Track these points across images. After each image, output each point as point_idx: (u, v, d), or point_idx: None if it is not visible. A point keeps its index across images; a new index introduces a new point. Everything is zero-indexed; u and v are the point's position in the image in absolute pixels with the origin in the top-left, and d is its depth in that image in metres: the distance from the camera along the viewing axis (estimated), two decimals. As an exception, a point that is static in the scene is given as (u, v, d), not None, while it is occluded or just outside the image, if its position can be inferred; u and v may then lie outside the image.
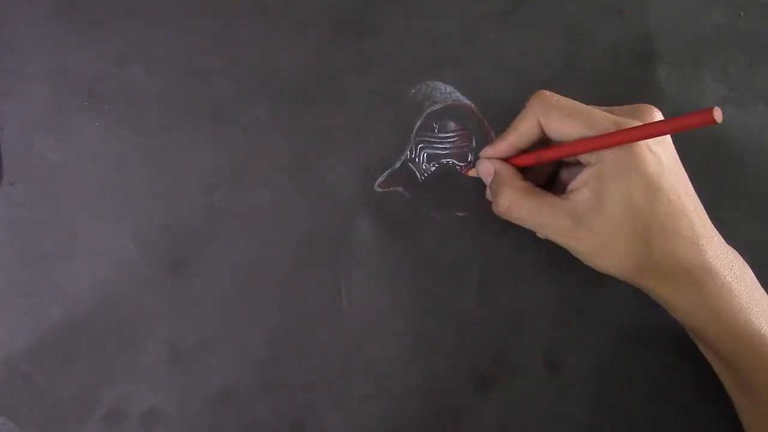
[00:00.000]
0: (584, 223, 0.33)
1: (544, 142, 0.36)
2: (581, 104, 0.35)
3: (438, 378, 0.39)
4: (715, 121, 0.27)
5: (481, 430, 0.38)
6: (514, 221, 0.36)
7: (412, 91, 0.40)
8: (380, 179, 0.39)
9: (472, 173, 0.39)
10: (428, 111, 0.40)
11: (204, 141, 0.39)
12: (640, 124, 0.32)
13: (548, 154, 0.35)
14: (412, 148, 0.40)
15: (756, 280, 0.36)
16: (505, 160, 0.37)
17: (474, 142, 0.40)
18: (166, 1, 0.41)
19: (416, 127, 0.40)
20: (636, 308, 0.39)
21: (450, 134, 0.40)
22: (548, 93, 0.35)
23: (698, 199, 0.35)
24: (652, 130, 0.31)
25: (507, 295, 0.39)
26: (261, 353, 0.38)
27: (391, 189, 0.40)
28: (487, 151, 0.38)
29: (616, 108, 0.36)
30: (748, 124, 0.42)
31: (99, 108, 0.39)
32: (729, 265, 0.34)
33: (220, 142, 0.39)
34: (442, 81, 0.41)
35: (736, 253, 0.36)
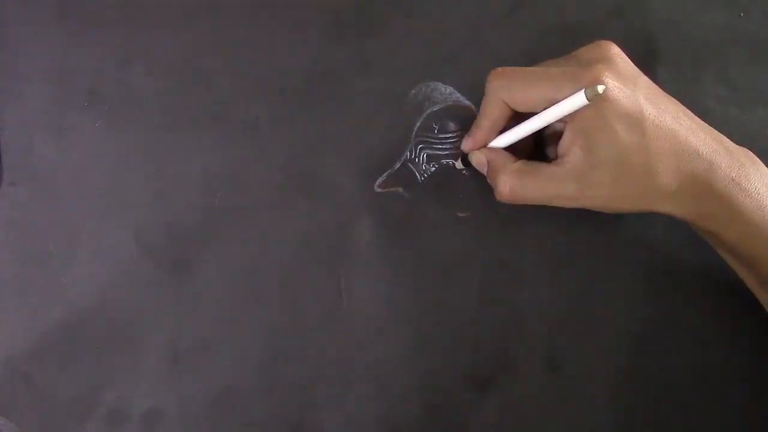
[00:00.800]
0: (587, 181, 0.34)
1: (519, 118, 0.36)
2: (538, 69, 0.35)
3: (438, 378, 0.39)
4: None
5: (481, 430, 0.38)
6: (520, 203, 0.36)
7: (412, 91, 0.40)
8: (380, 179, 0.39)
9: (458, 165, 0.39)
10: (428, 111, 0.40)
11: (204, 141, 0.39)
12: (603, 69, 0.33)
13: (523, 129, 0.36)
14: (412, 148, 0.40)
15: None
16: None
17: (474, 143, 0.40)
18: (166, 1, 0.41)
19: (416, 128, 0.40)
20: (636, 308, 0.39)
21: (450, 135, 0.40)
22: (502, 69, 0.36)
23: (684, 109, 0.36)
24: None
25: (507, 295, 0.39)
26: (261, 353, 0.38)
27: (391, 189, 0.40)
28: (468, 143, 0.38)
29: (570, 55, 0.36)
30: (748, 124, 0.42)
31: (99, 108, 0.39)
32: (737, 166, 0.35)
33: (220, 142, 0.39)
34: (442, 81, 0.41)
35: (745, 150, 0.36)
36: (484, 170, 0.37)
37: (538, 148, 0.39)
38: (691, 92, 0.42)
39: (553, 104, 0.34)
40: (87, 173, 0.39)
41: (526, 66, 0.37)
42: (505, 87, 0.35)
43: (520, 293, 0.39)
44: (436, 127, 0.40)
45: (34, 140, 0.39)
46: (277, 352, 0.38)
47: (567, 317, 0.39)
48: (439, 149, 0.40)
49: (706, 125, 0.36)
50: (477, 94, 0.40)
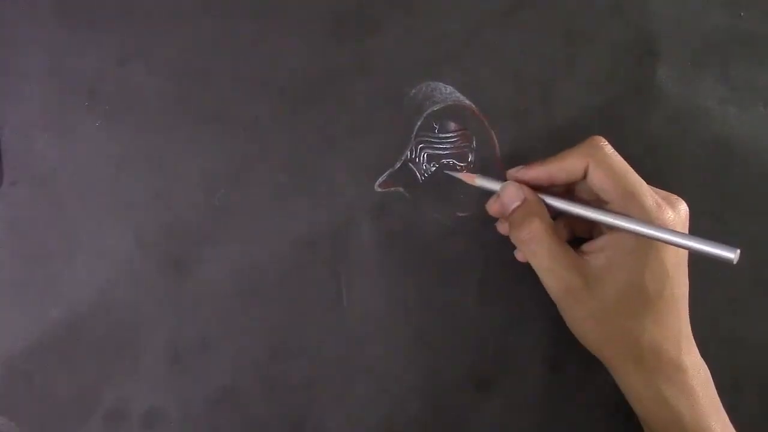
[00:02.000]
0: (591, 286, 0.33)
1: (569, 190, 0.36)
2: (629, 167, 0.34)
3: (438, 378, 0.39)
4: (732, 262, 0.29)
5: (481, 430, 0.38)
6: (526, 251, 0.35)
7: (413, 91, 0.40)
8: (380, 179, 0.39)
9: (468, 180, 0.38)
10: (428, 111, 0.40)
11: (204, 141, 0.39)
12: (673, 216, 0.33)
13: (581, 211, 0.35)
14: (412, 148, 0.40)
15: (716, 394, 0.36)
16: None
17: (474, 143, 0.40)
18: (166, 1, 0.40)
19: (416, 128, 0.40)
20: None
21: (450, 134, 0.40)
22: (607, 143, 0.35)
23: (687, 302, 0.36)
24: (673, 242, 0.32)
25: (507, 295, 0.39)
26: (261, 353, 0.38)
27: (392, 189, 0.40)
28: (520, 171, 0.36)
29: (665, 194, 0.35)
30: (748, 124, 0.42)
31: (99, 108, 0.39)
32: (699, 370, 0.35)
33: (220, 142, 0.39)
34: (443, 81, 0.41)
35: (703, 361, 0.36)
36: (513, 203, 0.35)
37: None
38: (691, 92, 0.42)
39: (626, 206, 0.33)
40: (87, 173, 0.39)
41: None
42: (602, 158, 0.34)
43: (520, 293, 0.39)
44: (437, 127, 0.40)
45: (34, 140, 0.39)
46: (277, 352, 0.38)
47: (567, 317, 0.39)
48: (440, 149, 0.40)
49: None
50: (477, 93, 0.40)
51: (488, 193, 0.38)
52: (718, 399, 0.36)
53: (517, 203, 0.35)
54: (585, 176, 0.35)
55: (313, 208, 0.39)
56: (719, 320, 0.40)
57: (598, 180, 0.34)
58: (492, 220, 0.39)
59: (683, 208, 0.35)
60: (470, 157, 0.40)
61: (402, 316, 0.39)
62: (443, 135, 0.40)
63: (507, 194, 0.36)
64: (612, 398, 0.39)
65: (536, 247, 0.34)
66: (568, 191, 0.37)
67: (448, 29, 0.41)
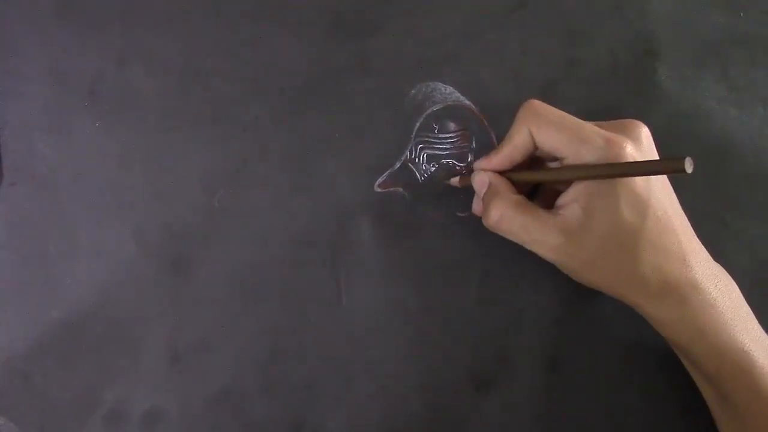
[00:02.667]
0: (574, 239, 0.34)
1: (534, 157, 0.36)
2: (571, 116, 0.35)
3: (438, 378, 0.39)
4: (685, 171, 0.28)
5: (481, 430, 0.38)
6: (503, 234, 0.36)
7: (413, 91, 0.40)
8: (380, 179, 0.39)
9: (454, 182, 0.39)
10: (428, 111, 0.40)
11: (204, 141, 0.39)
12: (629, 142, 0.33)
13: (541, 177, 0.36)
14: (412, 148, 0.40)
15: (741, 296, 0.36)
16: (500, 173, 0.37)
17: (474, 143, 0.40)
18: (166, 1, 0.41)
19: (416, 128, 0.40)
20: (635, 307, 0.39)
21: (450, 135, 0.40)
22: (538, 102, 0.35)
23: (684, 216, 0.36)
24: (631, 170, 0.31)
25: (507, 295, 0.39)
26: (261, 353, 0.38)
27: (391, 189, 0.40)
28: (482, 162, 0.37)
29: (603, 123, 0.35)
30: (748, 124, 0.42)
31: (99, 108, 0.39)
32: (714, 281, 0.35)
33: (220, 142, 0.39)
34: (442, 81, 0.41)
35: (722, 269, 0.36)
36: (482, 191, 0.37)
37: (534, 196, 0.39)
38: (691, 92, 0.42)
39: (576, 155, 0.33)
40: (87, 173, 0.39)
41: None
42: (536, 119, 0.34)
43: (520, 293, 0.39)
44: (436, 127, 0.40)
45: (34, 140, 0.39)
46: (277, 352, 0.38)
47: (567, 317, 0.39)
48: (440, 149, 0.40)
49: (695, 235, 0.36)
50: (477, 93, 0.40)
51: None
52: (744, 307, 0.35)
53: (483, 191, 0.37)
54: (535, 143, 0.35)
55: (313, 208, 0.39)
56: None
57: (543, 143, 0.35)
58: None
59: (640, 131, 0.35)
60: (470, 157, 0.40)
61: (402, 316, 0.39)
62: (443, 135, 0.40)
63: (476, 183, 0.37)
64: (611, 398, 0.39)
65: (507, 226, 0.35)
66: (538, 161, 0.38)
67: (448, 29, 0.41)
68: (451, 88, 0.40)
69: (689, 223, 0.36)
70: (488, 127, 0.40)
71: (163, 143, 0.39)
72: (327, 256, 0.39)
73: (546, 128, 0.34)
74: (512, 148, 0.36)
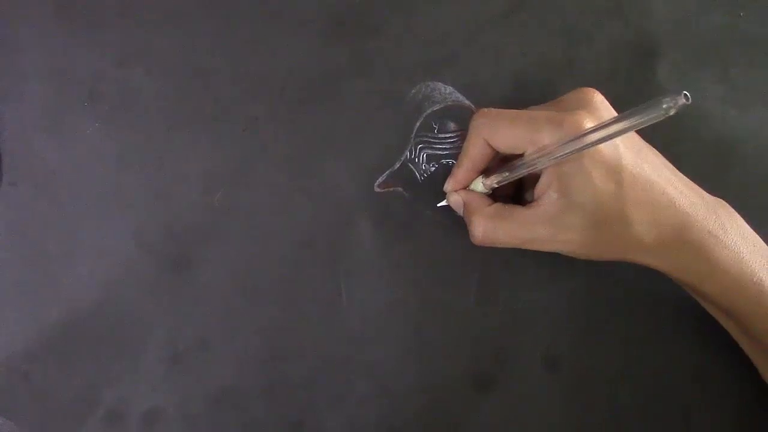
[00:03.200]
0: (560, 224, 0.34)
1: (502, 158, 0.36)
2: (521, 111, 0.35)
3: (438, 378, 0.39)
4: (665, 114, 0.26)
5: (481, 430, 0.38)
6: (495, 246, 0.36)
7: (412, 91, 0.40)
8: (380, 179, 0.39)
9: (443, 203, 0.39)
10: (428, 111, 0.40)
11: (204, 141, 0.39)
12: (584, 115, 0.32)
13: (512, 175, 0.35)
14: (411, 148, 0.40)
15: (744, 224, 0.36)
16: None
17: (474, 143, 0.40)
18: (166, 1, 0.41)
19: (416, 128, 0.40)
20: (636, 308, 0.39)
21: (450, 135, 0.40)
22: (487, 109, 0.35)
23: (663, 161, 0.36)
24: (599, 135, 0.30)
25: (507, 295, 0.39)
26: (261, 353, 0.38)
27: (391, 189, 0.40)
28: (449, 184, 0.38)
29: (554, 101, 0.36)
30: (748, 124, 0.42)
31: (99, 108, 0.39)
32: (713, 217, 0.34)
33: (220, 142, 0.39)
34: (442, 81, 0.41)
35: (720, 201, 0.36)
36: (460, 211, 0.38)
37: (519, 192, 0.39)
38: (691, 92, 0.42)
39: (535, 144, 0.33)
40: (87, 173, 0.39)
41: (508, 108, 0.36)
42: (488, 126, 0.35)
43: (520, 293, 0.39)
44: (436, 127, 0.40)
45: (34, 140, 0.39)
46: (277, 352, 0.38)
47: (567, 317, 0.39)
48: (439, 149, 0.40)
49: (684, 177, 0.36)
50: (477, 94, 0.40)
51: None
52: (750, 235, 0.35)
53: (461, 209, 0.37)
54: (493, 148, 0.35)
55: (313, 208, 0.39)
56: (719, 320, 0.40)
57: (499, 144, 0.35)
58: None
59: (592, 97, 0.35)
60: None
61: (402, 316, 0.39)
62: (443, 135, 0.40)
63: (453, 206, 0.38)
64: (611, 398, 0.39)
65: (493, 237, 0.35)
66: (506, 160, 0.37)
67: (448, 29, 0.41)
68: (451, 88, 0.40)
69: (672, 168, 0.36)
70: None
71: (163, 143, 0.39)
72: (327, 256, 0.39)
73: (500, 132, 0.34)
74: (470, 161, 0.36)
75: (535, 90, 0.41)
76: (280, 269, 0.39)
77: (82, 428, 0.37)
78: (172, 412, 0.37)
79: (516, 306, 0.39)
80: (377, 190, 0.40)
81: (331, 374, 0.38)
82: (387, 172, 0.40)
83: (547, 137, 0.33)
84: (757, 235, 0.36)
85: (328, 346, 0.38)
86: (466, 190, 0.37)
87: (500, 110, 0.35)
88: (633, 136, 0.35)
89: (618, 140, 0.33)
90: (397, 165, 0.40)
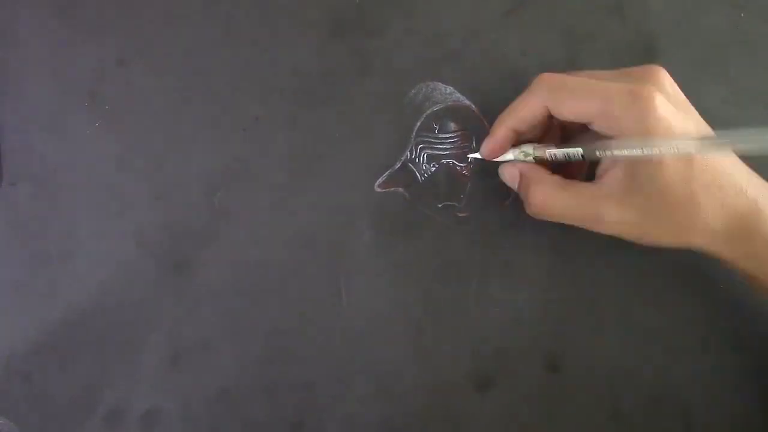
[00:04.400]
0: (625, 205, 0.33)
1: (545, 125, 0.35)
2: (587, 79, 0.34)
3: (438, 378, 0.39)
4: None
5: (481, 430, 0.38)
6: (552, 219, 0.35)
7: (412, 91, 0.40)
8: (380, 180, 0.39)
9: (473, 155, 0.38)
10: (428, 111, 0.40)
11: (204, 141, 0.39)
12: (656, 91, 0.31)
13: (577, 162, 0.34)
14: (412, 148, 0.40)
15: None
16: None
17: (474, 143, 0.40)
18: (167, 1, 0.41)
19: (416, 128, 0.40)
20: (636, 308, 0.39)
21: (450, 135, 0.40)
22: (551, 75, 0.34)
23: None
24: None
25: (507, 295, 0.39)
26: (261, 353, 0.38)
27: (391, 189, 0.40)
28: (487, 145, 0.36)
29: (620, 71, 0.34)
30: (748, 124, 0.42)
31: (99, 108, 0.39)
32: None
33: (220, 142, 0.39)
34: (442, 81, 0.41)
35: None
36: (515, 183, 0.36)
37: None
38: (691, 92, 0.42)
39: (605, 117, 0.32)
40: (87, 173, 0.39)
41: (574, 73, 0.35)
42: (554, 94, 0.33)
43: (520, 293, 0.39)
44: (437, 127, 0.40)
45: (34, 140, 0.39)
46: (277, 352, 0.38)
47: (567, 317, 0.39)
48: (440, 149, 0.40)
49: (743, 164, 0.35)
50: (477, 93, 0.40)
51: (488, 193, 0.38)
52: None
53: (516, 183, 0.36)
54: (551, 116, 0.34)
55: (313, 208, 0.39)
56: (719, 320, 0.40)
57: (565, 113, 0.33)
58: (492, 221, 0.39)
59: (660, 76, 0.33)
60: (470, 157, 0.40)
61: (402, 316, 0.39)
62: (443, 135, 0.40)
63: (506, 177, 0.37)
64: (611, 398, 0.39)
65: (552, 209, 0.34)
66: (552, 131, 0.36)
67: (448, 29, 0.41)
68: (451, 88, 0.40)
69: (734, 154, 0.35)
70: (488, 127, 0.40)
71: (163, 143, 0.39)
72: (327, 256, 0.39)
73: (565, 98, 0.33)
74: (517, 121, 0.35)
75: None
76: (280, 269, 0.39)
77: (82, 428, 0.37)
78: (172, 412, 0.37)
79: (516, 306, 0.39)
80: (377, 190, 0.40)
81: (331, 374, 0.38)
82: (387, 172, 0.40)
83: (618, 109, 0.32)
84: None
85: (328, 346, 0.38)
86: (522, 163, 0.36)
87: (565, 77, 0.34)
88: (700, 119, 0.34)
89: (690, 120, 0.33)
90: (398, 165, 0.40)
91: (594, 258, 0.39)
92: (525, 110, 0.35)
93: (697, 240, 0.33)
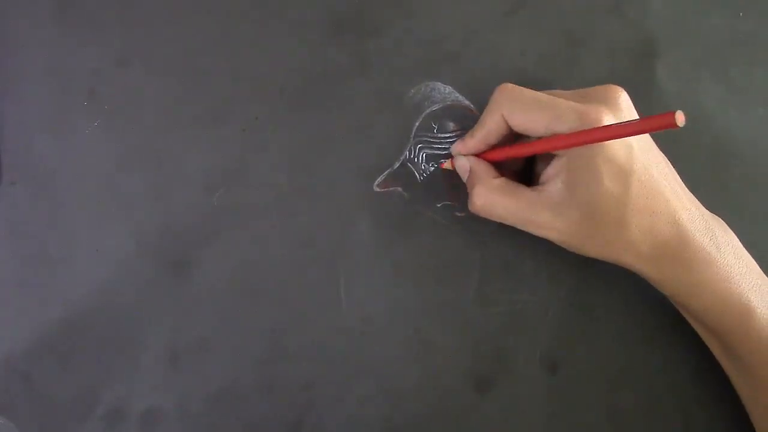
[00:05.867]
0: (559, 214, 0.34)
1: (516, 134, 0.36)
2: (544, 95, 0.35)
3: (438, 378, 0.39)
4: (677, 125, 0.26)
5: (481, 430, 0.38)
6: (489, 218, 0.36)
7: (412, 91, 0.40)
8: (379, 179, 0.39)
9: (447, 166, 0.39)
10: (427, 111, 0.40)
11: (204, 141, 0.39)
12: (606, 112, 0.32)
13: (515, 152, 0.35)
14: (411, 148, 0.40)
15: (740, 245, 0.36)
16: (480, 155, 0.38)
17: (474, 142, 0.40)
18: (166, 1, 0.41)
19: (415, 128, 0.40)
20: (636, 308, 0.39)
21: (449, 135, 0.40)
22: (511, 86, 0.35)
23: (673, 174, 0.36)
24: (617, 132, 0.30)
25: (507, 295, 0.39)
26: (261, 353, 0.38)
27: (391, 189, 0.40)
28: (457, 146, 0.38)
29: (580, 91, 0.35)
30: (748, 125, 0.42)
31: (99, 108, 0.39)
32: (709, 235, 0.34)
33: (220, 142, 0.39)
34: (442, 81, 0.41)
35: (718, 220, 0.36)
36: (465, 176, 0.38)
37: (526, 171, 0.39)
38: (691, 92, 0.42)
39: (550, 133, 0.33)
40: (87, 173, 0.39)
41: (532, 88, 0.36)
42: (508, 103, 0.35)
43: (519, 293, 0.39)
44: (436, 127, 0.40)
45: (34, 140, 0.39)
46: (277, 352, 0.38)
47: (567, 317, 0.39)
48: (439, 149, 0.40)
49: (686, 189, 0.36)
50: (476, 93, 0.40)
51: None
52: (744, 257, 0.35)
53: (467, 175, 0.37)
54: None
55: (313, 208, 0.39)
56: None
57: (518, 126, 0.35)
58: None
59: (617, 96, 0.34)
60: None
61: (402, 316, 0.39)
62: (442, 135, 0.40)
63: (458, 169, 0.38)
64: (611, 398, 0.39)
65: (491, 209, 0.36)
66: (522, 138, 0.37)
67: (448, 30, 0.41)
68: (450, 88, 0.40)
69: (680, 182, 0.36)
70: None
71: (163, 143, 0.39)
72: (327, 256, 0.39)
73: (519, 111, 0.34)
74: (485, 133, 0.36)
75: (534, 90, 0.41)
76: (279, 269, 0.39)
77: (81, 428, 0.37)
78: (172, 412, 0.37)
79: (516, 306, 0.39)
80: (377, 190, 0.40)
81: (331, 374, 0.38)
82: (386, 171, 0.40)
83: (566, 127, 0.33)
84: (750, 257, 0.36)
85: (328, 346, 0.38)
86: (474, 156, 0.37)
87: (523, 90, 0.35)
88: (648, 140, 0.35)
89: (633, 142, 0.34)
90: (397, 165, 0.40)
91: (593, 258, 0.39)
92: (489, 121, 0.36)
93: (625, 258, 0.35)
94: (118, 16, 0.40)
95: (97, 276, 0.38)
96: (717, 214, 0.36)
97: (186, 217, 0.39)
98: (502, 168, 0.38)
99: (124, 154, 0.39)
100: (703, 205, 0.36)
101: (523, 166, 0.39)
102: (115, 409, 0.37)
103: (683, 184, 0.36)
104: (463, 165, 0.38)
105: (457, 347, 0.39)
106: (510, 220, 0.36)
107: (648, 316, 0.39)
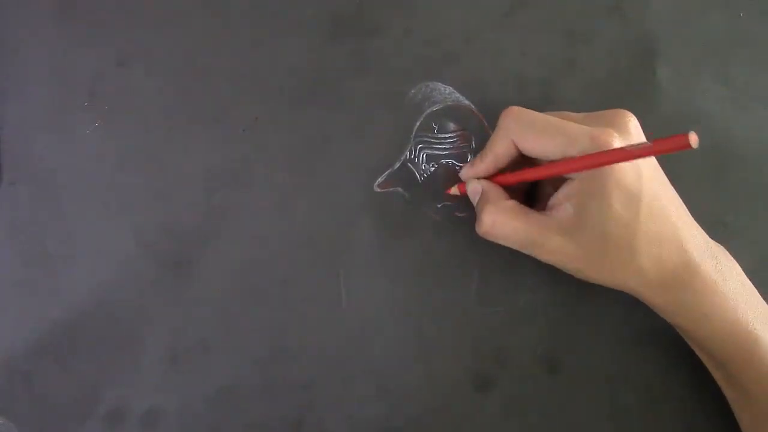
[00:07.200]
0: (568, 239, 0.34)
1: (524, 157, 0.36)
2: (554, 119, 0.35)
3: (438, 378, 0.39)
4: (690, 146, 0.26)
5: (481, 430, 0.38)
6: (498, 241, 0.36)
7: (412, 91, 0.40)
8: (380, 179, 0.40)
9: (453, 191, 0.39)
10: (428, 111, 0.40)
11: (204, 141, 0.39)
12: (616, 136, 0.32)
13: (528, 176, 0.35)
14: (411, 148, 0.40)
15: (742, 274, 0.36)
16: (491, 179, 0.37)
17: (474, 143, 0.40)
18: (166, 1, 0.41)
19: (416, 128, 0.40)
20: (636, 308, 0.39)
21: (449, 135, 0.40)
22: (517, 109, 0.35)
23: (679, 200, 0.36)
24: (629, 155, 0.30)
25: (507, 295, 0.39)
26: (261, 353, 0.38)
27: (391, 189, 0.40)
28: (466, 171, 0.38)
29: (590, 115, 0.35)
30: (748, 125, 0.42)
31: (99, 108, 0.39)
32: (713, 263, 0.35)
33: (220, 142, 0.39)
34: (442, 81, 0.41)
35: (721, 248, 0.36)
36: (475, 198, 0.37)
37: (529, 194, 0.39)
38: (691, 92, 0.42)
39: (564, 158, 0.33)
40: (87, 173, 0.39)
41: (536, 110, 0.36)
42: (520, 129, 0.35)
43: (519, 293, 0.39)
44: (436, 127, 0.40)
45: (34, 140, 0.39)
46: (277, 352, 0.38)
47: (567, 317, 0.39)
48: (439, 149, 0.40)
49: (689, 214, 0.36)
50: (476, 94, 0.40)
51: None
52: (747, 285, 0.35)
53: (478, 197, 0.37)
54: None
55: (313, 208, 0.39)
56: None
57: (530, 150, 0.35)
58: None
59: (627, 121, 0.34)
60: (469, 157, 0.40)
61: (402, 316, 0.39)
62: (442, 135, 0.40)
63: (469, 192, 0.38)
64: (611, 398, 0.39)
65: (500, 232, 0.35)
66: (530, 160, 0.37)
67: (448, 29, 0.41)
68: (450, 88, 0.40)
69: (685, 208, 0.36)
70: (488, 127, 0.40)
71: (163, 143, 0.39)
72: (327, 256, 0.39)
73: (530, 136, 0.34)
74: (494, 157, 0.36)
75: (535, 90, 0.41)
76: (279, 269, 0.39)
77: (82, 428, 0.37)
78: (172, 412, 0.37)
79: (516, 306, 0.39)
80: (377, 190, 0.40)
81: (331, 374, 0.38)
82: (387, 172, 0.40)
83: (577, 151, 0.33)
84: (753, 286, 0.36)
85: (328, 346, 0.38)
86: (486, 180, 0.37)
87: (532, 114, 0.35)
88: (657, 168, 0.35)
89: (642, 169, 0.34)
90: (397, 165, 0.40)
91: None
92: (498, 147, 0.36)
93: (631, 284, 0.35)
94: (118, 17, 0.40)
95: (97, 276, 0.38)
96: (718, 215, 0.37)
97: (186, 217, 0.39)
98: (508, 191, 0.37)
99: (124, 154, 0.39)
100: (703, 206, 0.36)
101: (527, 189, 0.39)
102: (115, 409, 0.37)
103: (686, 208, 0.36)
104: (475, 188, 0.37)
105: (457, 347, 0.39)
106: (518, 242, 0.35)
107: (648, 316, 0.39)
